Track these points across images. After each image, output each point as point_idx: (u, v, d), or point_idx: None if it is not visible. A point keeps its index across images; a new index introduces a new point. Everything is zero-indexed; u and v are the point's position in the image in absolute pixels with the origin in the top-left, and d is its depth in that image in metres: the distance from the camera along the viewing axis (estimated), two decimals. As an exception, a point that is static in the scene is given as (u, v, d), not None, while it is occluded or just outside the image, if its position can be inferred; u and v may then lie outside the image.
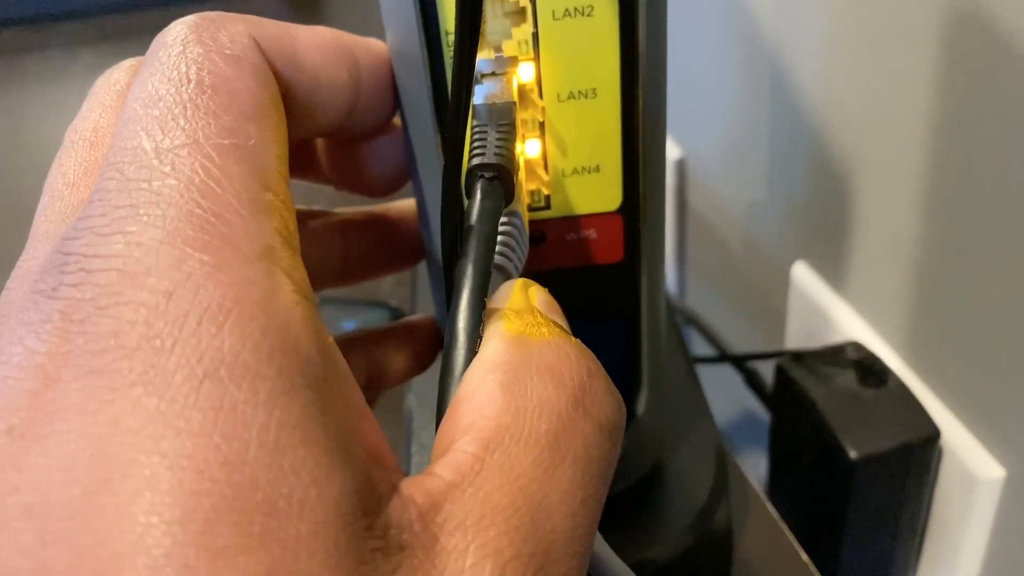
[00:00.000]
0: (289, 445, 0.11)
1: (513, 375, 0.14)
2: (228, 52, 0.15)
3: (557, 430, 0.14)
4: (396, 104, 0.20)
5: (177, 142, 0.13)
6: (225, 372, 0.11)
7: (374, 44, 0.19)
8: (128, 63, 0.18)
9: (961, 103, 0.33)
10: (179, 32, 0.15)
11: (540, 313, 0.16)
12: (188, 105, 0.14)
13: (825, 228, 0.44)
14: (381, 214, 0.24)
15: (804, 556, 0.32)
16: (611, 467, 0.14)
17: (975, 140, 0.32)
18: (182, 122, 0.14)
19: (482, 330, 0.15)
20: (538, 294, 0.17)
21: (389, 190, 0.22)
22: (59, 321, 0.12)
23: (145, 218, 0.12)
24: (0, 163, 0.63)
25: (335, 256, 0.23)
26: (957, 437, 0.36)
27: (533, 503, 0.13)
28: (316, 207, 0.23)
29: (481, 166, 0.17)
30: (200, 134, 0.14)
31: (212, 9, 0.17)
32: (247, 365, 0.11)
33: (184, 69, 0.14)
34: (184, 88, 0.14)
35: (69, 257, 0.12)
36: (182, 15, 0.16)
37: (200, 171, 0.13)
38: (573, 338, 0.16)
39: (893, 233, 0.38)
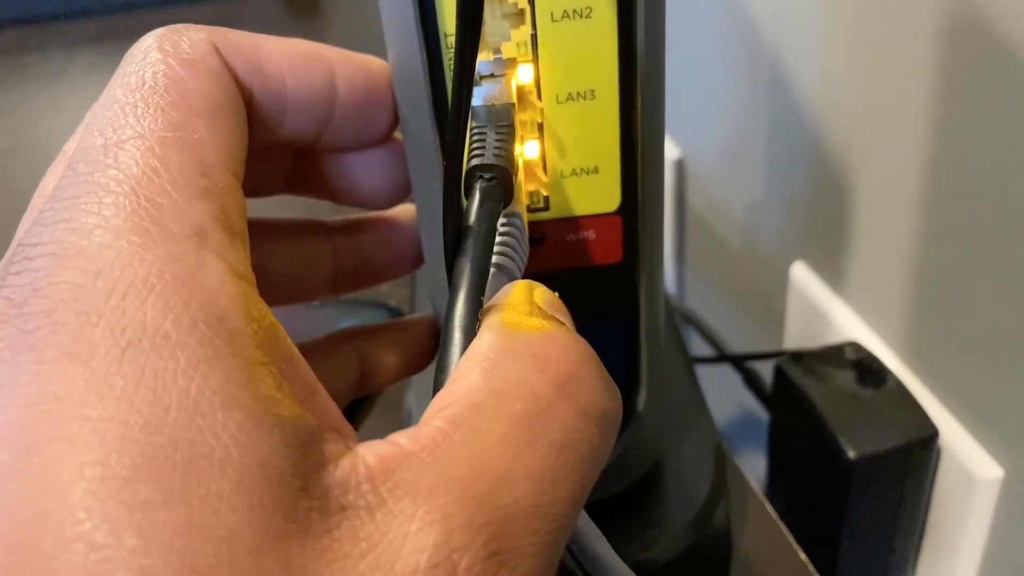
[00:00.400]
0: (209, 409, 0.12)
1: (496, 360, 0.14)
2: (185, 56, 0.16)
3: (533, 412, 0.14)
4: (390, 117, 0.20)
5: (124, 137, 0.14)
6: (147, 342, 0.12)
7: (357, 58, 0.20)
8: None
9: (959, 104, 0.33)
10: (144, 43, 0.16)
11: (537, 307, 0.16)
12: (139, 104, 0.15)
13: (824, 228, 0.44)
14: (374, 220, 0.24)
15: (803, 556, 0.32)
16: (597, 454, 0.14)
17: (974, 141, 0.32)
18: (131, 119, 0.15)
19: (478, 327, 0.15)
20: (543, 294, 0.17)
21: (388, 203, 0.23)
22: (3, 307, 0.13)
23: (83, 206, 0.13)
24: None
25: (324, 264, 0.23)
26: (955, 437, 0.36)
27: (494, 477, 0.13)
28: (306, 216, 0.24)
29: (480, 167, 0.17)
30: (146, 129, 0.14)
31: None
32: (168, 335, 0.12)
33: (141, 74, 0.15)
34: (138, 90, 0.15)
35: (17, 249, 0.13)
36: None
37: (140, 161, 0.14)
38: (569, 329, 0.16)
39: (892, 233, 0.39)
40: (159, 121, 0.15)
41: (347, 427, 0.14)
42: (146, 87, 0.15)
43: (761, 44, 0.46)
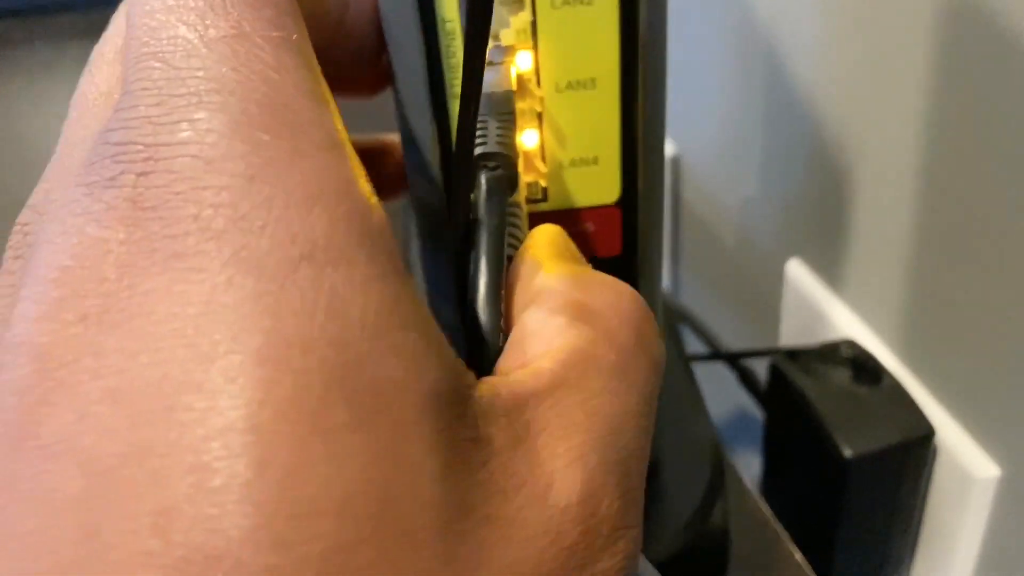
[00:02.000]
0: (388, 328, 0.11)
1: (579, 311, 0.14)
2: None
3: (624, 361, 0.14)
4: None
5: (223, 32, 0.12)
6: (320, 255, 0.11)
7: None
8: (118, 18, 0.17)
9: (957, 99, 0.32)
10: None
11: (577, 254, 0.16)
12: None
13: (820, 225, 0.44)
14: (380, 142, 0.24)
15: (798, 555, 0.32)
16: (657, 402, 0.15)
17: (971, 137, 0.32)
18: (221, 12, 0.13)
19: (503, 326, 0.15)
20: (569, 240, 0.17)
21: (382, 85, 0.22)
22: (127, 209, 0.11)
23: (210, 106, 0.12)
24: (-14, 157, 0.62)
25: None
26: (952, 435, 0.36)
27: (607, 423, 0.13)
28: None
29: (484, 156, 0.17)
30: (246, 25, 0.13)
31: None
32: (341, 249, 0.11)
33: None
34: None
35: (126, 147, 0.12)
36: None
37: (255, 60, 0.12)
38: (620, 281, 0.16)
39: (888, 230, 0.38)
40: (255, 18, 0.13)
41: None
42: None
43: (757, 40, 0.46)
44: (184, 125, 0.12)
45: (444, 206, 0.20)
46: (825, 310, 0.44)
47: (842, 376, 0.39)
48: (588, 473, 0.12)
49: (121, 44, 0.15)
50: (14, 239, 0.13)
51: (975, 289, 0.34)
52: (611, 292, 0.15)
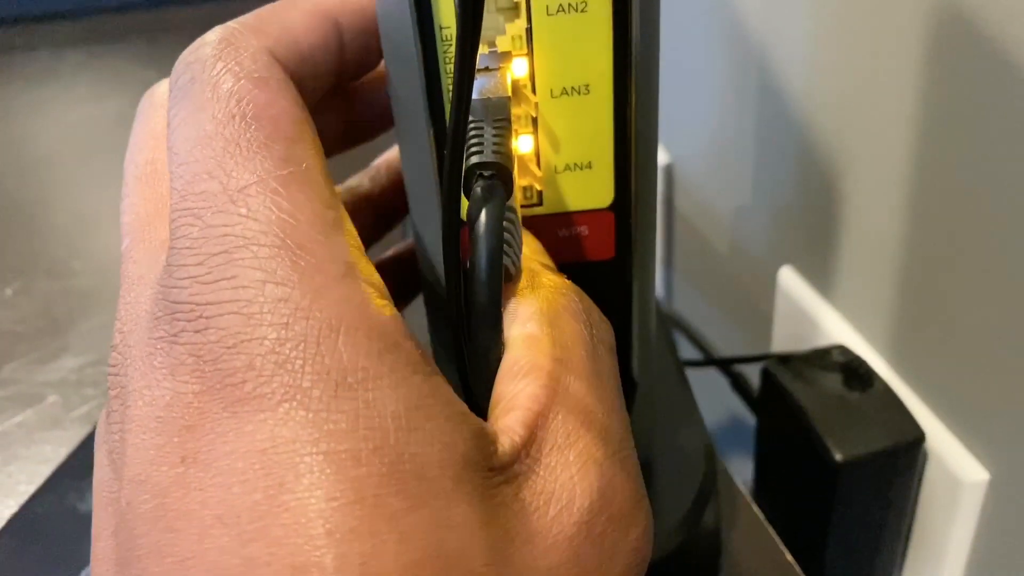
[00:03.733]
0: (417, 424, 0.14)
1: (546, 320, 0.17)
2: (256, 76, 0.16)
3: (590, 355, 0.17)
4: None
5: (243, 182, 0.15)
6: (351, 379, 0.14)
7: (352, 1, 0.20)
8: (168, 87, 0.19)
9: (948, 107, 0.33)
10: (210, 67, 0.17)
11: (533, 259, 0.19)
12: (241, 142, 0.15)
13: (812, 233, 0.44)
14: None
15: (789, 558, 0.32)
16: (620, 378, 0.18)
17: (960, 146, 0.33)
18: (240, 160, 0.15)
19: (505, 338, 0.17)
20: (530, 243, 0.20)
21: (380, 128, 0.24)
22: (193, 364, 0.14)
23: (240, 262, 0.14)
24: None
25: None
26: (942, 440, 0.37)
27: (596, 416, 0.16)
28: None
29: (480, 165, 0.17)
30: (261, 170, 0.15)
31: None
32: (366, 369, 0.14)
33: (225, 105, 0.16)
34: (230, 124, 0.16)
35: (182, 306, 0.14)
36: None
37: (273, 208, 0.15)
38: (564, 277, 0.19)
39: (879, 238, 0.39)
40: (268, 160, 0.15)
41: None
42: (238, 121, 0.16)
43: (749, 49, 0.46)
44: (223, 283, 0.14)
45: (441, 212, 0.20)
46: (817, 317, 0.44)
47: (833, 381, 0.39)
48: (599, 468, 0.15)
49: (157, 157, 0.18)
50: (111, 380, 0.16)
51: (965, 295, 0.34)
52: (562, 297, 0.18)
